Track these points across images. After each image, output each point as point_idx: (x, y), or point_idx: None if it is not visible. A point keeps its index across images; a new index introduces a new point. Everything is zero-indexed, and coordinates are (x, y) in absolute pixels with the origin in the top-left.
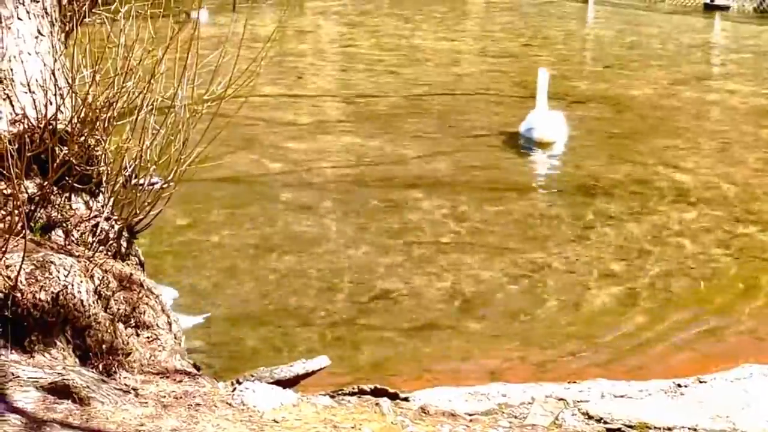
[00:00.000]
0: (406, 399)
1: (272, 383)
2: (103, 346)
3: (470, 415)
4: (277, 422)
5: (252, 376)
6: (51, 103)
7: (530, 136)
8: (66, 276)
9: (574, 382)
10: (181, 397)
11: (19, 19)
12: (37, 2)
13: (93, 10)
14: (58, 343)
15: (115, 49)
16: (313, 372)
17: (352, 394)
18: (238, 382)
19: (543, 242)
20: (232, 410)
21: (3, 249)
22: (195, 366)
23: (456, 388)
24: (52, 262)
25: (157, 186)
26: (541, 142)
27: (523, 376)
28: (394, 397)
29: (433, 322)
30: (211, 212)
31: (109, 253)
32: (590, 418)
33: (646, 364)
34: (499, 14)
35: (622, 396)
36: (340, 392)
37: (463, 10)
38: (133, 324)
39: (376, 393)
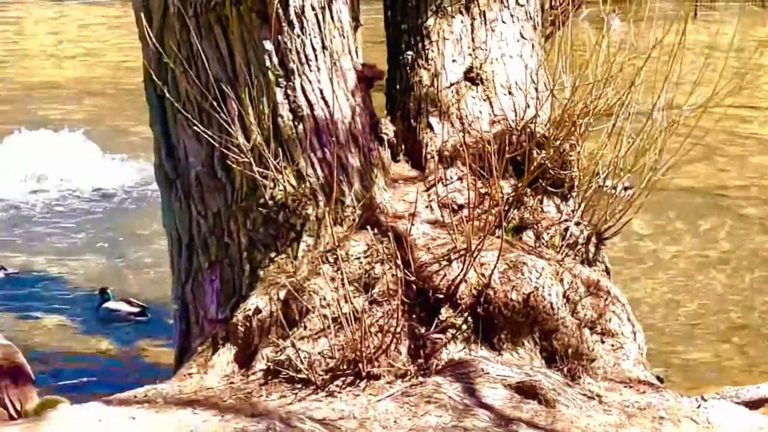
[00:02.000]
0: None
1: (738, 403)
2: (569, 351)
3: None
4: None
5: (717, 394)
6: (529, 106)
7: None
8: (537, 278)
9: None
10: (644, 408)
11: (503, 22)
12: (522, 6)
13: (572, 15)
14: (526, 343)
15: (595, 54)
16: None
17: None
18: (703, 399)
19: None
20: (696, 426)
21: (479, 247)
22: (658, 378)
23: None
24: (524, 263)
25: (629, 193)
26: None
27: None
28: None
29: None
30: (669, 222)
31: (577, 258)
32: None
33: None
34: None
35: None
36: None
37: None
38: (599, 330)
39: None
